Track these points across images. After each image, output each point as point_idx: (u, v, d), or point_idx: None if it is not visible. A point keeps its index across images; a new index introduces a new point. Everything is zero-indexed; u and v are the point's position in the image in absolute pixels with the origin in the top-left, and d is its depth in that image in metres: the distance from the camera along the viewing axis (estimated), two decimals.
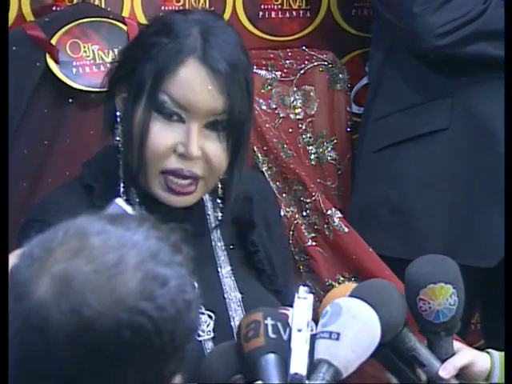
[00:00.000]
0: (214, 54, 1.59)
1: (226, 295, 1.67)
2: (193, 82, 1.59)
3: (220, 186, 1.68)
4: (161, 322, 1.06)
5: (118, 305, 1.05)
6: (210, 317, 1.63)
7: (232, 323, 1.64)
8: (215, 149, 1.61)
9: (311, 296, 1.45)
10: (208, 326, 1.63)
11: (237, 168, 1.64)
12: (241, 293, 1.67)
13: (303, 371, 1.39)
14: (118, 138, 1.65)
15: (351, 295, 1.52)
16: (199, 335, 1.61)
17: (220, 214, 1.69)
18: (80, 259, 1.06)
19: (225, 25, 1.72)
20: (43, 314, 1.04)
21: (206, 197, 1.69)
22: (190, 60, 1.60)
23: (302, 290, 1.46)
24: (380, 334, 1.47)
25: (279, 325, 1.45)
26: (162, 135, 1.60)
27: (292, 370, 1.39)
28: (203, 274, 1.60)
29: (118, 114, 1.65)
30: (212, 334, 1.62)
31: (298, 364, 1.39)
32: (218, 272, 1.68)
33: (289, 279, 1.80)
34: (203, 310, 1.62)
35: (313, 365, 1.42)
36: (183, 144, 1.59)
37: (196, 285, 1.60)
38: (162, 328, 1.06)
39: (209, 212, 1.70)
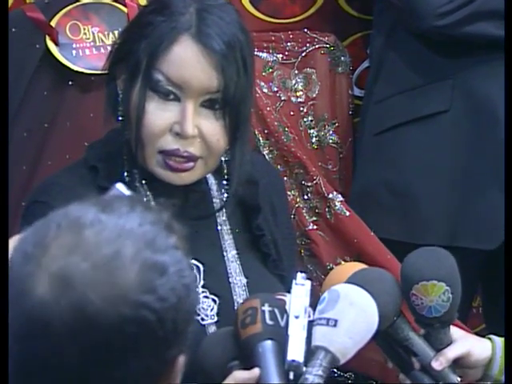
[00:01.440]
0: (209, 31, 1.57)
1: (231, 279, 1.66)
2: (186, 60, 1.58)
3: (225, 167, 1.66)
4: (163, 312, 1.05)
5: (120, 300, 1.03)
6: (214, 301, 1.63)
7: (236, 307, 1.62)
8: (212, 128, 1.59)
9: (309, 282, 1.46)
10: (212, 310, 1.62)
11: (238, 149, 1.63)
12: (246, 277, 1.67)
13: (300, 358, 1.40)
14: (120, 119, 1.63)
15: (349, 281, 1.52)
16: (203, 319, 1.61)
17: (225, 196, 1.67)
18: (77, 255, 1.04)
19: (223, 3, 1.70)
20: (44, 313, 1.02)
21: (212, 180, 1.69)
22: (184, 37, 1.58)
23: (300, 276, 1.47)
24: (378, 321, 1.46)
25: (276, 311, 1.45)
26: (158, 114, 1.59)
27: (289, 357, 1.40)
28: (209, 257, 1.63)
29: (119, 94, 1.63)
30: (216, 319, 1.62)
31: (296, 351, 1.40)
32: (223, 256, 1.67)
33: (293, 264, 1.80)
34: (207, 294, 1.63)
35: (310, 351, 1.42)
36: (179, 123, 1.58)
37: (194, 264, 1.60)
38: (165, 318, 1.05)
39: (214, 195, 1.69)
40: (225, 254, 1.68)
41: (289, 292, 1.51)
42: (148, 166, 1.61)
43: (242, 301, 1.63)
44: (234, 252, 1.68)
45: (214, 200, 1.69)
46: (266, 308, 1.44)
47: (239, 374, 1.41)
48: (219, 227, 1.69)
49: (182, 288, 1.07)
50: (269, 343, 1.41)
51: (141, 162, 1.61)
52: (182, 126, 1.58)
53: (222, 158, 1.65)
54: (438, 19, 2.02)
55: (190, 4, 1.59)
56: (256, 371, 1.40)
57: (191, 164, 1.59)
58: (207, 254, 1.64)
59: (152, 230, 1.08)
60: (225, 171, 1.66)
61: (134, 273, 1.04)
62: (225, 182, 1.67)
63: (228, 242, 1.69)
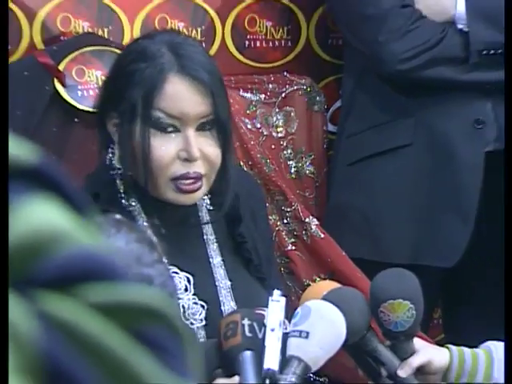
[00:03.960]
0: (190, 64, 1.60)
1: (217, 283, 1.66)
2: (180, 94, 1.60)
3: (215, 182, 1.68)
4: None
5: None
6: (202, 306, 1.62)
7: (222, 308, 1.64)
8: (210, 146, 1.62)
9: (283, 299, 1.47)
10: (200, 314, 1.61)
11: (229, 160, 1.66)
12: (230, 280, 1.66)
13: (276, 367, 1.40)
14: (110, 156, 1.65)
15: (325, 299, 1.52)
16: (192, 323, 1.60)
17: (211, 208, 1.69)
18: None
19: (186, 37, 1.76)
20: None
21: None
22: (171, 75, 1.60)
23: (276, 293, 1.47)
24: (345, 333, 1.47)
25: (255, 324, 1.45)
26: (164, 147, 1.60)
27: (266, 366, 1.40)
28: (197, 264, 1.64)
29: (111, 137, 1.65)
30: (204, 322, 1.61)
31: (271, 360, 1.40)
32: (209, 262, 1.67)
33: (272, 268, 1.81)
34: (196, 301, 1.63)
35: (285, 360, 1.43)
36: (184, 150, 1.59)
37: (184, 276, 1.60)
38: None
39: (200, 207, 1.70)
40: (211, 260, 1.67)
41: (269, 293, 1.52)
42: (160, 195, 1.62)
43: (227, 302, 1.65)
44: (220, 258, 1.68)
45: (200, 211, 1.70)
46: (246, 322, 1.45)
47: (221, 381, 1.42)
48: (205, 236, 1.69)
49: (165, 295, 1.08)
50: (248, 353, 1.42)
51: (151, 191, 1.62)
52: (188, 152, 1.59)
53: None
54: (400, 64, 2.02)
55: (161, 46, 1.62)
56: (236, 378, 1.41)
57: (199, 184, 1.61)
58: (196, 263, 1.65)
59: (137, 248, 1.09)
60: (213, 186, 1.67)
61: None
62: (209, 195, 1.69)
63: (213, 249, 1.69)
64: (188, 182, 1.60)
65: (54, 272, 0.45)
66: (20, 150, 0.47)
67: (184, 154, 1.59)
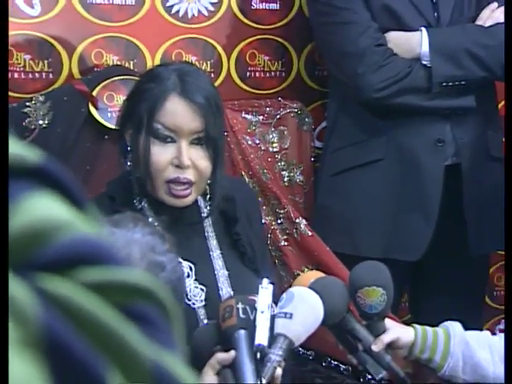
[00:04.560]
0: (190, 88, 1.60)
1: (216, 272, 1.64)
2: (177, 111, 1.60)
3: (208, 189, 1.68)
4: None
5: None
6: (202, 290, 1.61)
7: (220, 293, 1.62)
8: (200, 158, 1.61)
9: (271, 286, 1.46)
10: (200, 296, 1.60)
11: (218, 173, 1.64)
12: (228, 270, 1.65)
13: (265, 342, 1.40)
14: (129, 163, 1.66)
15: (310, 287, 1.52)
16: (193, 303, 1.59)
17: (209, 208, 1.70)
18: None
19: (196, 69, 1.75)
20: None
21: (199, 198, 1.70)
22: (172, 95, 1.60)
23: (265, 281, 1.46)
24: (323, 314, 1.47)
25: (248, 308, 1.44)
26: (160, 154, 1.60)
27: (257, 342, 1.40)
28: (199, 255, 1.64)
29: (128, 146, 1.66)
30: (204, 303, 1.60)
31: (261, 337, 1.40)
32: (210, 255, 1.66)
33: (266, 260, 1.81)
34: (197, 285, 1.61)
35: (273, 338, 1.43)
36: (177, 158, 1.60)
37: (188, 265, 1.60)
38: None
39: (201, 209, 1.71)
40: (211, 253, 1.66)
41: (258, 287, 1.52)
42: (157, 195, 1.61)
43: (224, 288, 1.63)
44: (219, 252, 1.67)
45: (202, 212, 1.70)
46: (240, 306, 1.44)
47: (220, 355, 1.42)
48: (206, 234, 1.68)
49: (176, 279, 1.09)
50: (242, 332, 1.42)
51: (150, 191, 1.62)
52: (179, 159, 1.59)
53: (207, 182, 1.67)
54: (375, 93, 2.02)
55: (172, 72, 1.63)
56: (232, 353, 1.41)
57: (189, 191, 1.60)
58: (198, 254, 1.64)
59: (152, 239, 1.09)
60: (208, 191, 1.68)
61: (142, 269, 1.05)
62: (208, 199, 1.69)
63: (213, 244, 1.68)
64: (179, 188, 1.59)
65: (52, 256, 0.43)
66: (24, 151, 0.44)
67: (176, 161, 1.59)
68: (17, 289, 0.41)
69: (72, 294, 0.42)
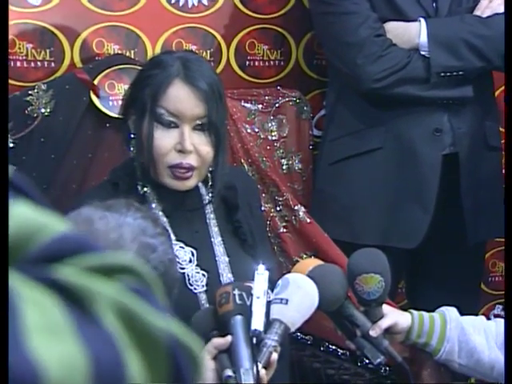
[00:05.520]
0: (193, 75, 1.61)
1: (217, 258, 1.65)
2: (180, 97, 1.60)
3: (210, 176, 1.69)
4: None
5: None
6: (203, 275, 1.62)
7: (221, 279, 1.63)
8: (202, 144, 1.61)
9: (267, 272, 1.46)
10: (202, 282, 1.61)
11: (220, 159, 1.64)
12: (228, 256, 1.65)
13: (261, 328, 1.41)
14: (132, 149, 1.66)
15: (309, 275, 1.52)
16: (195, 289, 1.60)
17: (210, 195, 1.70)
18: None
19: (200, 57, 1.74)
20: None
21: (200, 185, 1.71)
22: (176, 81, 1.60)
23: (261, 268, 1.46)
24: (318, 299, 1.47)
25: (244, 294, 1.45)
26: (163, 139, 1.61)
27: (253, 327, 1.40)
28: (201, 242, 1.64)
29: (131, 132, 1.66)
30: (205, 288, 1.61)
31: (257, 322, 1.40)
32: (211, 241, 1.67)
33: (265, 247, 1.80)
34: (199, 270, 1.61)
35: (268, 323, 1.44)
36: (180, 143, 1.60)
37: (189, 250, 1.61)
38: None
39: (203, 196, 1.71)
40: (212, 239, 1.67)
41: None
42: (160, 179, 1.62)
43: (225, 274, 1.63)
44: (220, 238, 1.67)
45: (203, 199, 1.71)
46: (236, 292, 1.44)
47: (217, 340, 1.42)
48: (208, 220, 1.68)
49: (167, 261, 1.10)
50: (238, 317, 1.42)
51: (153, 176, 1.62)
52: (182, 144, 1.59)
53: (209, 169, 1.66)
54: (374, 83, 2.03)
55: (175, 59, 1.63)
56: (229, 338, 1.41)
57: (190, 173, 1.61)
58: (200, 240, 1.64)
59: (143, 222, 1.10)
60: (210, 178, 1.69)
61: (134, 250, 1.06)
62: (209, 186, 1.70)
63: (215, 230, 1.68)
64: (182, 170, 1.60)
65: (47, 250, 0.49)
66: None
67: (179, 146, 1.59)
68: (16, 278, 0.46)
69: (77, 277, 0.47)
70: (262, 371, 1.38)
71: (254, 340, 1.39)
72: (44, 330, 0.44)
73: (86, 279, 0.48)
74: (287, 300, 1.44)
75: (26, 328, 0.44)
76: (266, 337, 1.41)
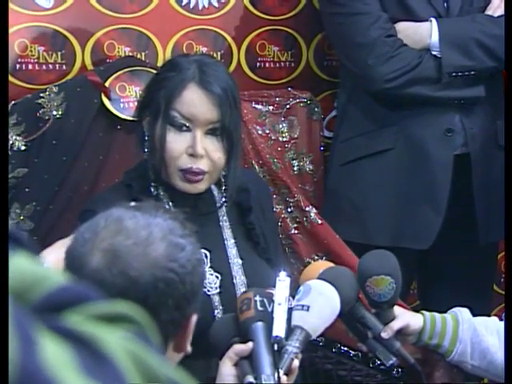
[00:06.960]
0: (208, 79, 1.61)
1: (230, 261, 1.65)
2: (194, 101, 1.60)
3: (223, 180, 1.70)
4: (183, 275, 1.08)
5: (154, 266, 1.07)
6: (217, 277, 1.62)
7: (234, 281, 1.63)
8: (214, 149, 1.61)
9: (288, 279, 1.46)
10: (215, 284, 1.61)
11: (233, 164, 1.64)
12: (241, 259, 1.66)
13: (282, 334, 1.41)
14: (146, 150, 1.67)
15: (320, 278, 1.53)
16: (208, 291, 1.60)
17: (223, 200, 1.71)
18: (121, 236, 1.08)
19: (216, 61, 1.75)
20: (98, 278, 1.04)
21: (213, 187, 1.71)
22: (191, 85, 1.61)
23: (283, 274, 1.46)
24: (340, 307, 1.49)
25: (265, 300, 1.45)
26: (175, 142, 1.61)
27: (274, 334, 1.40)
28: (214, 244, 1.65)
29: (145, 134, 1.66)
30: (218, 290, 1.62)
31: (279, 329, 1.41)
32: (224, 244, 1.67)
33: (278, 250, 1.81)
34: (212, 272, 1.62)
35: (290, 330, 1.44)
36: (191, 147, 1.61)
37: (203, 252, 1.62)
38: (185, 279, 1.08)
39: (216, 199, 1.72)
40: (226, 242, 1.67)
41: (276, 271, 1.52)
42: (171, 181, 1.62)
43: (238, 276, 1.63)
44: (233, 241, 1.68)
45: (216, 203, 1.71)
46: (258, 298, 1.45)
47: (238, 346, 1.42)
48: (221, 223, 1.69)
49: (195, 260, 1.12)
50: (260, 324, 1.42)
51: (165, 178, 1.63)
52: (194, 148, 1.59)
53: (222, 173, 1.67)
54: (385, 83, 2.03)
55: (192, 62, 1.63)
56: (250, 344, 1.41)
57: (201, 177, 1.61)
58: (213, 243, 1.64)
59: (172, 223, 1.12)
60: (223, 182, 1.69)
61: (163, 248, 1.08)
62: (223, 190, 1.70)
63: (228, 233, 1.68)
64: (192, 174, 1.60)
65: (50, 300, 0.51)
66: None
67: (190, 149, 1.59)
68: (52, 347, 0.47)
69: (83, 325, 0.49)
70: (283, 378, 1.39)
71: (276, 346, 1.40)
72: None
73: (94, 327, 0.50)
74: (308, 307, 1.44)
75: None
76: (288, 343, 1.41)
